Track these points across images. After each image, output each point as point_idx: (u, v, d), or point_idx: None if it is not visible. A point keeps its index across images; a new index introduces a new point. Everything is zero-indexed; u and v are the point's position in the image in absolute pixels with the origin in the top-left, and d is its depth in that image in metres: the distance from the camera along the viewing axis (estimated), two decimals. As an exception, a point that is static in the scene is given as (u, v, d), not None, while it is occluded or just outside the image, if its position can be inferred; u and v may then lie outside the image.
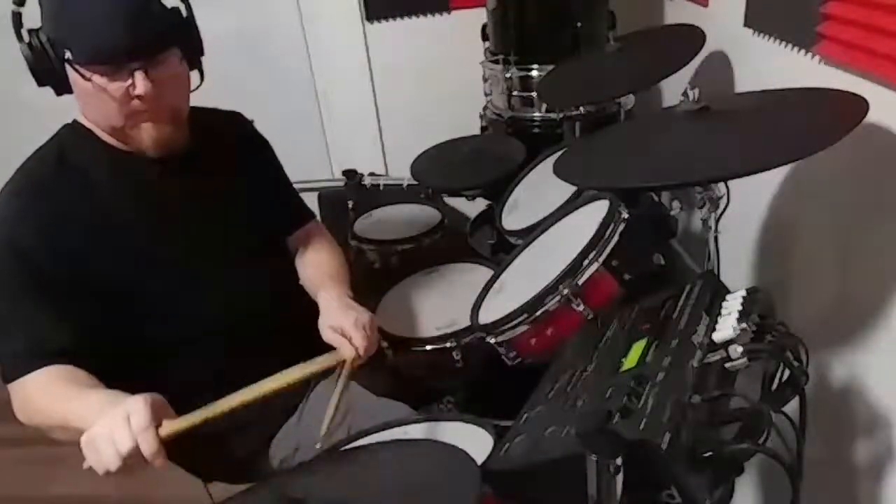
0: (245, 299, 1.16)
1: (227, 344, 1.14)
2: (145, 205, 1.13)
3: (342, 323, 1.12)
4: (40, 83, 1.06)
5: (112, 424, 0.87)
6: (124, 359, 1.06)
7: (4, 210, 1.07)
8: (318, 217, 2.02)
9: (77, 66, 1.01)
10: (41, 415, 1.01)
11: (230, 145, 1.28)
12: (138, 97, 1.03)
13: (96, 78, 1.02)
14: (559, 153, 1.37)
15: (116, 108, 1.05)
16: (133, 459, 0.87)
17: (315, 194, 2.04)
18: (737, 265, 1.49)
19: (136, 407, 0.87)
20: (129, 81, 1.02)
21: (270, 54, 2.36)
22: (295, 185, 1.83)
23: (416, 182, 1.80)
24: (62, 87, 1.07)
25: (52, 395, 0.99)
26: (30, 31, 1.03)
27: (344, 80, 2.35)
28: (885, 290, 1.05)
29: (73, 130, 1.14)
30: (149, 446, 0.86)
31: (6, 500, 2.11)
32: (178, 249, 1.14)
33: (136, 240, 1.11)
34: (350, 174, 1.93)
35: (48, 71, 1.04)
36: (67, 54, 1.01)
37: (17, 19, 1.03)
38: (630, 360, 0.89)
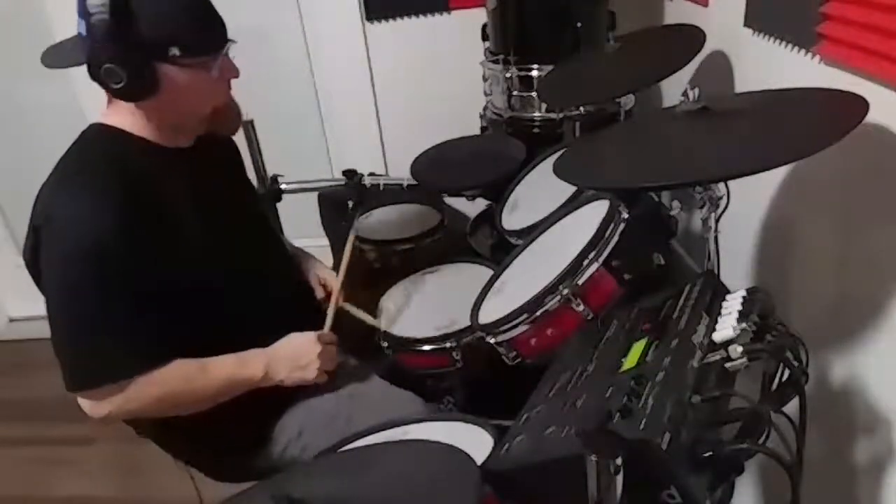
0: (276, 272, 1.33)
1: (273, 310, 1.27)
2: (194, 195, 1.17)
3: (325, 276, 1.45)
4: (126, 95, 1.06)
5: (307, 352, 1.20)
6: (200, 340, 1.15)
7: (84, 212, 1.04)
8: (319, 217, 2.04)
9: (184, 61, 1.06)
10: (184, 394, 1.12)
11: (225, 143, 1.35)
12: (231, 78, 1.15)
13: (210, 65, 1.09)
14: (559, 153, 1.37)
15: (209, 94, 1.14)
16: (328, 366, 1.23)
17: (315, 194, 2.04)
18: (737, 265, 1.49)
19: (309, 336, 1.21)
20: (218, 64, 1.11)
21: (270, 54, 2.36)
22: (295, 185, 1.83)
23: (416, 182, 1.80)
24: (145, 93, 1.07)
25: (196, 373, 1.12)
26: (101, 53, 1.01)
27: (344, 80, 2.35)
28: (885, 290, 1.05)
29: (104, 132, 1.14)
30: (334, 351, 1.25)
31: (6, 500, 2.11)
32: (226, 234, 1.22)
33: (193, 230, 1.16)
34: (350, 174, 1.93)
35: (136, 80, 1.04)
36: (173, 51, 1.05)
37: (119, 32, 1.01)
38: (630, 360, 0.89)
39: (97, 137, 1.14)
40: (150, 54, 1.04)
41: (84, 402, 1.11)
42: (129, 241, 1.04)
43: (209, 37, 1.10)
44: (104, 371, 1.07)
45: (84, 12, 1.01)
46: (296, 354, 1.20)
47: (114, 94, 1.06)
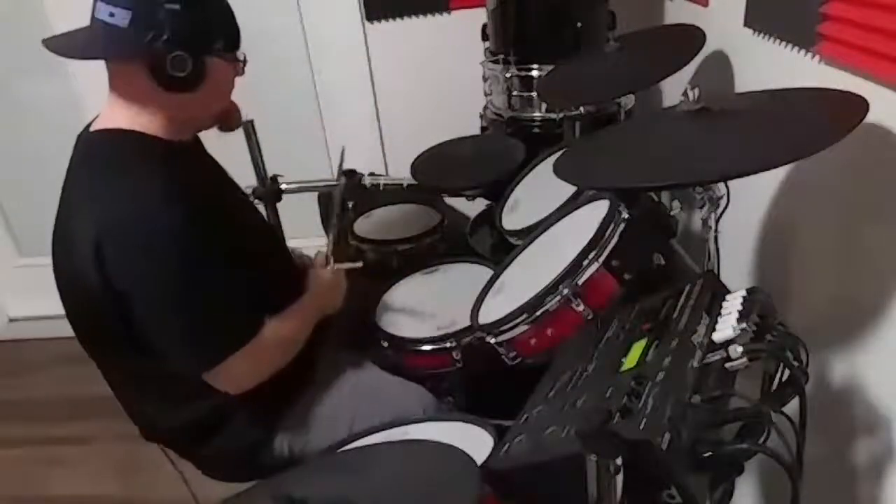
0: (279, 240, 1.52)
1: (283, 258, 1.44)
2: (213, 183, 1.29)
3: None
4: (181, 84, 1.08)
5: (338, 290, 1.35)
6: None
7: (161, 207, 1.05)
8: (319, 217, 2.04)
9: (224, 54, 1.13)
10: (294, 337, 1.22)
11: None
12: (240, 75, 1.20)
13: (237, 61, 1.16)
14: (559, 153, 1.37)
15: (230, 90, 1.21)
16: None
17: (315, 194, 2.04)
18: (737, 265, 1.49)
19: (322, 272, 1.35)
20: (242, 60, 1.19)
21: (270, 54, 2.36)
22: (295, 185, 1.83)
23: (416, 182, 1.80)
24: (197, 83, 1.10)
25: (290, 320, 1.22)
26: (169, 42, 1.04)
27: (344, 80, 2.35)
28: (885, 290, 1.05)
29: (125, 135, 1.12)
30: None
31: (6, 500, 2.11)
32: (247, 208, 1.41)
33: (230, 208, 1.27)
34: (350, 174, 1.93)
35: (197, 70, 1.08)
36: (218, 44, 1.12)
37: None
38: (630, 360, 0.89)
39: (123, 141, 1.12)
40: (204, 46, 1.10)
41: (219, 379, 1.13)
42: (200, 220, 1.07)
43: (238, 33, 1.17)
44: (228, 342, 1.11)
45: (130, 2, 1.02)
46: (331, 294, 1.34)
47: (169, 84, 1.07)
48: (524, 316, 1.15)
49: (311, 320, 1.26)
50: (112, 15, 1.03)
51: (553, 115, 1.78)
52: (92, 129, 1.15)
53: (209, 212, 1.10)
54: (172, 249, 1.04)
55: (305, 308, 1.26)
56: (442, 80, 2.25)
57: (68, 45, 1.09)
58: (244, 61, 1.19)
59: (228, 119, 1.28)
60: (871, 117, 0.88)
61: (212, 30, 1.11)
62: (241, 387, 1.15)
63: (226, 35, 1.14)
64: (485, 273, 1.54)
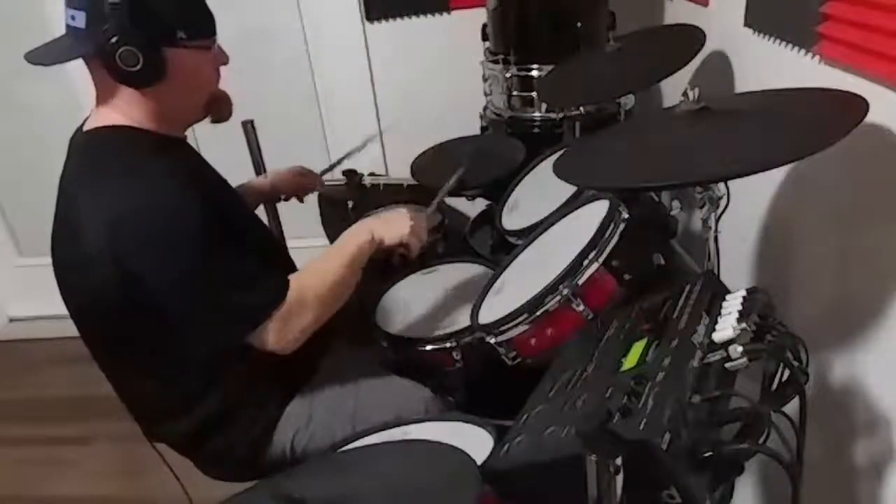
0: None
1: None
2: (208, 173, 1.28)
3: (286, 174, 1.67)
4: (138, 79, 1.08)
5: (402, 216, 1.30)
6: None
7: (169, 193, 1.07)
8: (319, 217, 2.04)
9: (189, 44, 1.10)
10: (325, 292, 1.18)
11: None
12: (222, 64, 1.20)
13: (210, 49, 1.15)
14: (559, 153, 1.37)
15: (208, 79, 1.19)
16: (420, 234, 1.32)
17: (315, 194, 2.03)
18: (737, 265, 1.49)
19: (402, 209, 1.33)
20: (215, 48, 1.18)
21: (270, 54, 2.36)
22: (295, 185, 1.81)
23: (416, 182, 1.80)
24: (157, 77, 1.09)
25: (316, 270, 1.20)
26: (116, 38, 1.03)
27: (344, 80, 2.35)
28: (885, 290, 1.05)
29: (118, 130, 1.13)
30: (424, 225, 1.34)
31: (6, 500, 2.11)
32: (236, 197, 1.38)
33: (228, 195, 1.31)
34: (350, 174, 1.93)
35: (151, 63, 1.06)
36: (180, 34, 1.09)
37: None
38: (630, 360, 0.89)
39: (117, 136, 1.13)
40: (161, 38, 1.07)
41: (268, 340, 1.12)
42: (207, 199, 1.09)
43: (208, 20, 1.15)
44: (265, 303, 1.11)
45: (84, 3, 1.03)
46: (391, 218, 1.31)
47: (126, 80, 1.07)
48: (524, 316, 1.15)
49: (355, 250, 1.22)
50: (73, 18, 1.06)
51: (553, 115, 1.78)
52: (85, 129, 1.16)
53: (212, 194, 1.12)
54: (199, 231, 1.06)
55: (345, 241, 1.24)
56: (442, 80, 2.25)
57: (40, 53, 1.11)
58: (218, 49, 1.17)
59: (217, 109, 1.25)
60: (871, 117, 0.88)
61: (164, 21, 1.08)
62: (294, 341, 1.14)
63: (187, 25, 1.10)
64: (485, 273, 1.54)
